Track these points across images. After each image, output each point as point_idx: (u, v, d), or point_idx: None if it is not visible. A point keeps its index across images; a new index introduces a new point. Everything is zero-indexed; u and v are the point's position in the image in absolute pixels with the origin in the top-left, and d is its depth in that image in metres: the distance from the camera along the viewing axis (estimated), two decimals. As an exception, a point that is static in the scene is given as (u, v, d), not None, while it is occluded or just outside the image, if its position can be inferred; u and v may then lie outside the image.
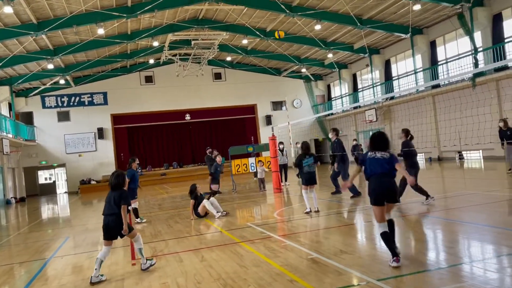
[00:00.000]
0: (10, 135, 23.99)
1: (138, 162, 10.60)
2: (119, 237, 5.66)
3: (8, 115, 26.01)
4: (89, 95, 30.07)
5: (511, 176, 12.65)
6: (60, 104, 29.57)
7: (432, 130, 22.15)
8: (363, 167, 5.46)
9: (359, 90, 31.16)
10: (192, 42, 23.48)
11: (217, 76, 32.83)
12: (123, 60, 27.33)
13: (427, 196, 8.96)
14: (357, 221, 8.35)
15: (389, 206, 5.28)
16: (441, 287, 4.07)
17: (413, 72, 24.82)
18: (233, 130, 33.39)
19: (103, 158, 30.04)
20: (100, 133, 30.05)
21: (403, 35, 23.89)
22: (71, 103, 29.73)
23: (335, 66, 31.17)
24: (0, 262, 7.54)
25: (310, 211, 9.19)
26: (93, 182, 28.47)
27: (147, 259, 5.82)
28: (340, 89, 33.47)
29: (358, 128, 30.49)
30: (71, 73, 26.71)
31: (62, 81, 27.38)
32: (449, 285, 4.10)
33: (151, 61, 28.92)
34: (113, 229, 5.56)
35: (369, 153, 5.43)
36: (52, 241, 9.33)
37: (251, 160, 18.07)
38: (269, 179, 15.77)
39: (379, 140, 5.46)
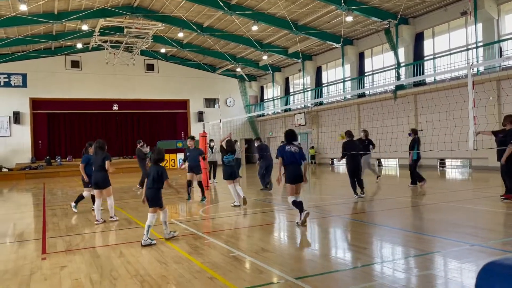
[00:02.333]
0: None
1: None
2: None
3: None
4: (5, 76, 27.66)
5: (378, 183, 13.80)
6: (-30, 83, 26.91)
7: (356, 137, 23.32)
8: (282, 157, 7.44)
9: (290, 94, 31.96)
10: (125, 30, 22.52)
11: (150, 68, 31.85)
12: (47, 41, 25.51)
13: (355, 191, 10.65)
14: (280, 221, 8.53)
15: (298, 187, 7.44)
16: (354, 285, 4.27)
17: (342, 80, 25.98)
18: (163, 124, 32.62)
19: (18, 145, 27.82)
20: (16, 118, 27.77)
21: (335, 44, 24.90)
22: (-16, 83, 27.19)
23: (269, 68, 31.69)
24: None
25: (239, 205, 9.83)
26: (4, 170, 26.25)
27: (171, 231, 6.71)
28: (272, 92, 34.08)
29: (287, 131, 31.20)
30: (-14, 50, 24.45)
31: (-26, 58, 24.95)
32: (362, 284, 4.31)
33: (79, 46, 27.28)
34: (151, 200, 6.50)
35: (286, 147, 7.45)
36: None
37: (180, 155, 17.78)
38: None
39: (291, 135, 7.62)
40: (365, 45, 24.74)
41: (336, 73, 27.33)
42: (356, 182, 10.73)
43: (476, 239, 5.98)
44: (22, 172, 26.18)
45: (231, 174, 9.94)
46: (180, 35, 24.98)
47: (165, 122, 32.80)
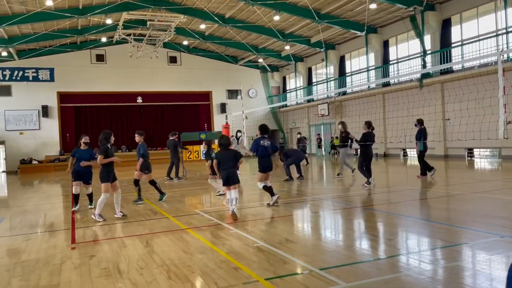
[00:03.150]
0: None
1: (86, 140, 9.56)
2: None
3: None
4: (34, 70, 28.39)
5: (339, 180, 13.23)
6: (1, 78, 27.72)
7: (380, 126, 22.99)
8: (256, 150, 8.80)
9: (313, 84, 31.68)
10: (148, 23, 22.75)
11: (172, 60, 32.09)
12: (73, 36, 26.00)
13: (368, 179, 10.67)
14: (304, 212, 8.51)
15: (267, 175, 8.81)
16: (379, 277, 4.22)
17: (366, 69, 25.56)
18: (186, 116, 32.88)
19: (47, 138, 28.60)
20: (45, 111, 28.54)
21: (359, 33, 24.47)
22: (14, 77, 27.93)
23: (292, 58, 31.45)
24: None
25: (224, 193, 10.16)
26: (34, 162, 27.07)
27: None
28: (295, 82, 33.86)
29: (310, 121, 31.03)
30: (15, 45, 25.09)
31: (4, 53, 25.69)
32: (387, 275, 4.27)
33: (104, 39, 27.72)
34: (231, 178, 7.54)
35: (261, 141, 8.76)
36: (-15, 222, 8.78)
37: (203, 147, 17.91)
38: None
39: (265, 129, 9.00)
40: (390, 33, 24.23)
41: (360, 62, 26.90)
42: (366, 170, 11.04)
43: (505, 230, 5.82)
44: (51, 164, 26.93)
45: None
46: (202, 26, 25.04)
47: (188, 114, 33.05)
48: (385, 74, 23.89)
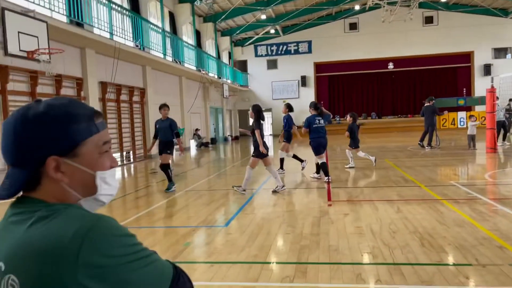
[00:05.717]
0: (229, 81, 27.39)
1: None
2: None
3: (228, 63, 29.56)
4: (295, 44, 31.48)
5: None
6: (269, 53, 31.95)
7: None
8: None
9: None
10: (402, -17, 21.75)
11: (428, 20, 29.85)
12: (329, 7, 27.39)
13: None
14: None
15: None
16: None
17: None
18: (441, 81, 30.39)
19: (304, 106, 31.23)
20: (303, 81, 31.46)
21: None
22: (279, 52, 31.76)
23: None
24: (219, 187, 8.96)
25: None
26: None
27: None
28: None
29: None
30: (280, 23, 28.32)
31: (272, 31, 29.39)
32: None
33: (357, 7, 28.11)
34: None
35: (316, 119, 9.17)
36: (259, 175, 10.51)
37: (461, 114, 16.27)
38: (483, 137, 13.99)
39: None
40: None
41: None
42: None
43: None
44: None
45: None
46: (465, -22, 22.19)
47: (443, 78, 30.46)
48: None
